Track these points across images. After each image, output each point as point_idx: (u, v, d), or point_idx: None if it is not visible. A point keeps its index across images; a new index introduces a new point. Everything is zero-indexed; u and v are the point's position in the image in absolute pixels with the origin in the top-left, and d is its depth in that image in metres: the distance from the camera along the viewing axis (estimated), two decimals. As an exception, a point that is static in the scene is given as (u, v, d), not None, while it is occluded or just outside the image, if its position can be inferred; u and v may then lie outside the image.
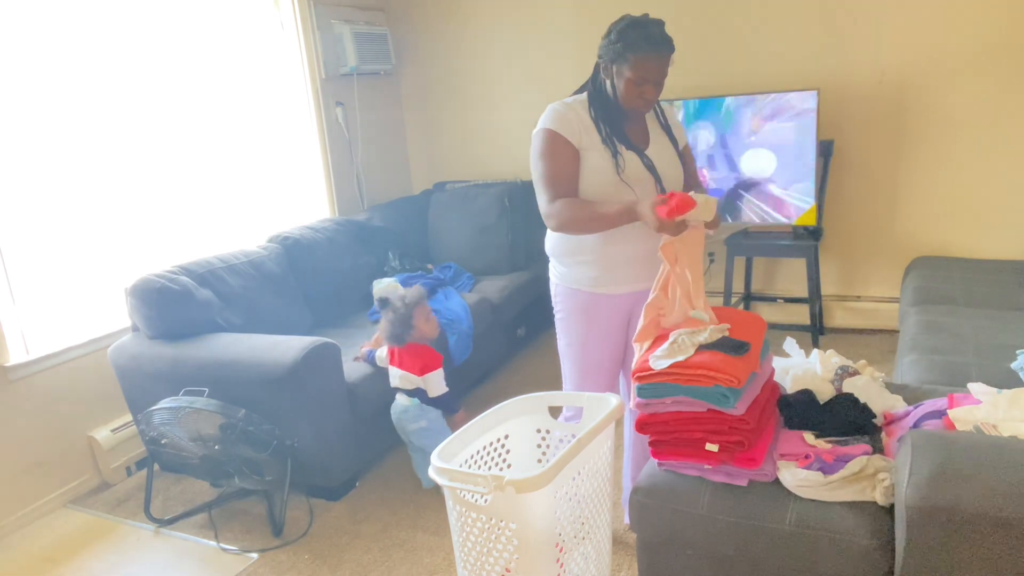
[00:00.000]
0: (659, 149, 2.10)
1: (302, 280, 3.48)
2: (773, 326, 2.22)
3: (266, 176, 3.92)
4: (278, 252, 3.45)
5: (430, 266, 4.08)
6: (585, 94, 2.09)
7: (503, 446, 2.00)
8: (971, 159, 3.59)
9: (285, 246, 3.50)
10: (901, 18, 3.54)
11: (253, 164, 3.84)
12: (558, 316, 2.24)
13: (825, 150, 3.72)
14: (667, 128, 2.15)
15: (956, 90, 3.53)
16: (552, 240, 2.18)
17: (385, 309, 2.79)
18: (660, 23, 1.95)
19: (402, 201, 4.44)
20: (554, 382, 2.46)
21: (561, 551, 1.75)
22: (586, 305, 2.15)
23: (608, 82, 2.01)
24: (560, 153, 2.01)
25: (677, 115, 2.26)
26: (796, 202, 3.63)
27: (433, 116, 4.81)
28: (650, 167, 2.04)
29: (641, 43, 1.91)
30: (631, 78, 1.94)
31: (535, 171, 2.06)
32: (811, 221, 3.64)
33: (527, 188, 4.25)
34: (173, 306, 2.82)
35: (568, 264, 2.15)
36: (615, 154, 2.01)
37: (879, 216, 3.85)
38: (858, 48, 3.65)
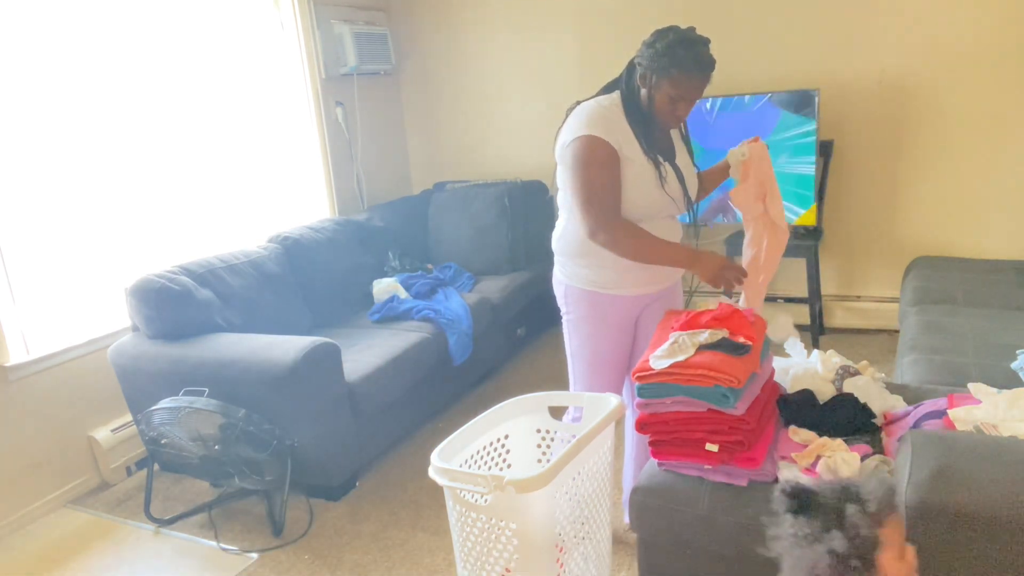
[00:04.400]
0: (682, 162, 2.07)
1: (302, 280, 3.48)
2: (773, 326, 2.19)
3: (266, 176, 3.92)
4: (278, 252, 3.45)
5: (430, 266, 4.08)
6: (617, 94, 1.99)
7: (503, 446, 2.00)
8: (971, 159, 3.58)
9: (285, 246, 3.50)
10: (901, 18, 3.54)
11: (253, 164, 3.83)
12: (568, 317, 2.18)
13: (825, 150, 3.72)
14: (687, 140, 2.12)
15: (956, 90, 3.53)
16: (566, 239, 2.09)
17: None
18: (707, 42, 1.89)
19: (402, 201, 4.44)
20: (554, 382, 2.46)
21: (561, 551, 1.75)
22: (598, 305, 2.12)
23: (644, 91, 1.94)
24: (608, 162, 1.90)
25: None
26: (796, 202, 3.63)
27: (433, 116, 4.81)
28: (681, 180, 2.01)
29: (689, 63, 1.85)
30: (671, 94, 1.88)
31: (578, 180, 1.91)
32: (811, 221, 3.64)
33: (527, 188, 4.25)
34: (173, 306, 2.82)
35: (582, 265, 2.09)
36: (658, 165, 1.95)
37: (879, 216, 3.85)
38: (858, 48, 3.65)
